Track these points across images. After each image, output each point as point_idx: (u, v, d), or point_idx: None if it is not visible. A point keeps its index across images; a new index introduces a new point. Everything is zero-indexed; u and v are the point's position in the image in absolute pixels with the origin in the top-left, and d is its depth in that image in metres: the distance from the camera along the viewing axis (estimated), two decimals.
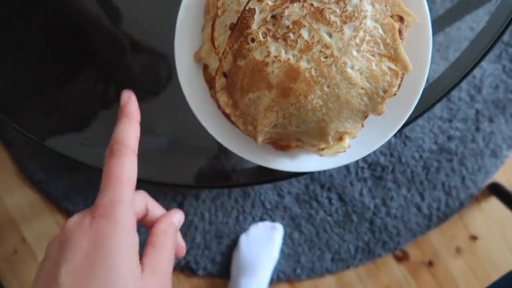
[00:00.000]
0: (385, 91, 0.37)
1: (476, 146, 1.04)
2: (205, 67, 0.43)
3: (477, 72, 1.02)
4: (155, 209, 0.31)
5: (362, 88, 0.37)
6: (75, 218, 0.27)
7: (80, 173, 1.01)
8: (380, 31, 0.36)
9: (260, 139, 0.40)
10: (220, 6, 0.40)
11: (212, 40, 0.41)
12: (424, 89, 0.41)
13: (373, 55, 0.36)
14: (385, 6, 0.36)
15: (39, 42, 0.53)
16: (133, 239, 0.26)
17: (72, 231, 0.26)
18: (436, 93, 0.45)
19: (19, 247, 1.05)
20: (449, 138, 1.04)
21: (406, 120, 0.43)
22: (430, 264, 1.07)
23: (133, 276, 0.25)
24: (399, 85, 0.38)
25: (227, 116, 0.43)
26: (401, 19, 0.37)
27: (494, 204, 1.06)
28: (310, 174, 1.02)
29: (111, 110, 0.54)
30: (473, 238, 1.07)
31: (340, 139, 0.42)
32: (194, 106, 0.44)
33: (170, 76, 0.53)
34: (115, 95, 0.54)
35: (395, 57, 0.36)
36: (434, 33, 0.54)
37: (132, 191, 0.28)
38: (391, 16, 0.37)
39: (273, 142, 0.42)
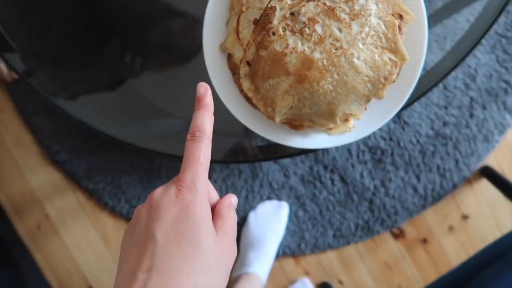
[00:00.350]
0: (386, 79, 0.43)
1: (470, 131, 1.08)
2: (229, 56, 0.49)
3: (472, 62, 1.06)
4: (210, 189, 0.36)
5: (366, 76, 0.43)
6: (160, 189, 0.33)
7: (100, 154, 1.07)
8: (383, 27, 0.42)
9: (278, 119, 0.46)
10: (245, 3, 0.45)
11: (237, 32, 0.46)
12: (421, 77, 0.47)
13: (376, 48, 0.42)
14: (387, 5, 0.42)
15: (68, 18, 0.58)
16: (209, 208, 0.32)
17: (160, 199, 0.31)
18: (432, 80, 0.51)
19: (42, 223, 1.11)
20: (445, 123, 1.08)
21: (404, 104, 0.49)
22: (424, 241, 1.13)
23: (212, 236, 0.31)
24: (398, 73, 0.44)
25: (249, 99, 0.49)
26: (400, 16, 0.43)
27: (485, 186, 1.11)
28: (315, 156, 1.07)
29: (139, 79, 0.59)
30: (465, 217, 1.13)
31: (346, 120, 0.48)
32: (219, 90, 0.49)
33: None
34: (140, 66, 0.59)
35: (395, 50, 0.42)
36: (432, 25, 0.59)
37: (207, 171, 0.34)
38: (392, 14, 0.42)
39: (288, 122, 0.48)
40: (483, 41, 1.06)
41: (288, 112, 0.46)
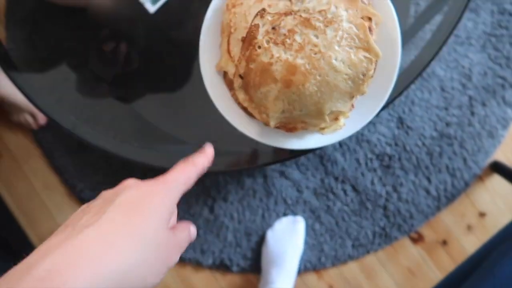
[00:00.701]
0: (364, 75, 0.47)
1: (473, 129, 1.10)
2: (225, 74, 0.54)
3: (465, 62, 1.09)
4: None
5: (346, 74, 0.47)
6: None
7: None
8: (354, 29, 0.47)
9: (272, 123, 0.51)
10: (233, 25, 0.51)
11: (229, 51, 0.52)
12: (402, 73, 0.51)
13: (351, 48, 0.47)
14: (356, 10, 0.47)
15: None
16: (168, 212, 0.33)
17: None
18: (412, 74, 0.55)
19: None
20: (447, 124, 1.10)
21: (388, 99, 0.53)
22: (444, 243, 1.12)
23: (164, 225, 0.32)
24: (375, 69, 0.49)
25: (246, 110, 0.53)
26: (370, 19, 0.48)
27: (497, 181, 1.11)
28: (324, 169, 1.10)
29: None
30: (482, 214, 1.12)
31: (336, 119, 0.52)
32: (219, 106, 0.54)
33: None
34: (147, 93, 0.65)
35: (368, 48, 0.47)
36: (417, 30, 0.63)
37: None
38: (362, 18, 0.47)
39: (283, 126, 0.52)
40: (473, 41, 1.10)
41: (281, 116, 0.50)
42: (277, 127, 0.53)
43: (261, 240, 1.12)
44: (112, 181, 1.13)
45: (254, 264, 1.12)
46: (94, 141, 0.60)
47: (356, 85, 0.48)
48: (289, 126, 0.52)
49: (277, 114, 0.50)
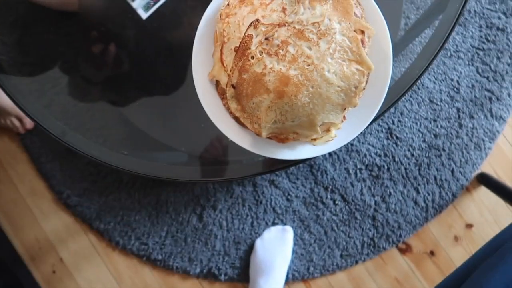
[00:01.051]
0: (356, 87, 0.48)
1: (461, 141, 1.12)
2: (217, 83, 0.54)
3: (453, 75, 1.11)
4: None
5: (338, 86, 0.47)
6: None
7: (109, 195, 1.11)
8: (347, 42, 0.47)
9: (264, 133, 0.50)
10: (226, 35, 0.51)
11: (222, 61, 0.52)
12: (393, 85, 0.51)
13: (343, 61, 0.47)
14: (349, 23, 0.47)
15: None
16: None
17: None
18: (403, 87, 0.56)
19: (57, 268, 1.13)
20: (436, 136, 1.12)
21: (379, 111, 0.54)
22: (432, 253, 1.13)
23: None
24: (366, 81, 0.49)
25: (237, 119, 0.53)
26: (362, 32, 0.48)
27: (483, 192, 1.13)
28: (314, 178, 1.10)
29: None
30: (469, 226, 1.14)
31: (328, 130, 0.53)
32: (211, 115, 0.54)
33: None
34: (139, 101, 0.64)
35: (360, 61, 0.47)
36: (408, 43, 0.64)
37: None
38: (355, 31, 0.48)
39: (274, 136, 0.52)
40: (461, 55, 1.12)
41: (273, 126, 0.50)
42: (268, 138, 0.52)
43: (250, 249, 1.11)
44: (101, 187, 1.12)
45: (242, 273, 1.11)
46: (82, 149, 0.59)
47: (348, 97, 0.48)
48: (280, 137, 0.52)
49: (269, 124, 0.50)
